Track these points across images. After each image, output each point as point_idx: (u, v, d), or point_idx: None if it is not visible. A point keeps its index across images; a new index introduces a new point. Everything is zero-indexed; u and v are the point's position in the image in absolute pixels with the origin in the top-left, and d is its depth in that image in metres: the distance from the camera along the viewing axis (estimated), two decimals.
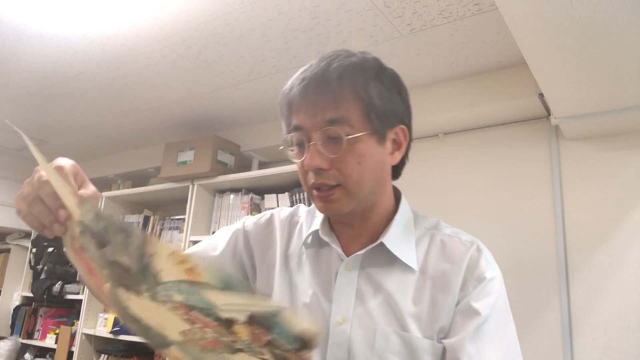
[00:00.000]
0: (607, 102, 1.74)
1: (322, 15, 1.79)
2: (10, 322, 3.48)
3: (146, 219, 3.10)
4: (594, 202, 1.99)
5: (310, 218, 0.86)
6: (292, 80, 0.75)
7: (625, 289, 1.86)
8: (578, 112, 1.84)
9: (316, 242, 0.82)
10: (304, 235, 0.83)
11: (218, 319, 0.46)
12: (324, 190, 0.72)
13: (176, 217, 2.96)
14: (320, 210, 0.76)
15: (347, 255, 0.77)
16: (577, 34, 1.32)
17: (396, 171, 0.83)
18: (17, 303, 3.51)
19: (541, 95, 1.94)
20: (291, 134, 0.74)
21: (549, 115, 2.09)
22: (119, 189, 3.40)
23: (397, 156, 0.78)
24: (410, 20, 1.79)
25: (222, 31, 1.93)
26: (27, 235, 3.73)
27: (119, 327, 2.74)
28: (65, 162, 0.63)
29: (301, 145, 0.73)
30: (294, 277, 0.80)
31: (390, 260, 0.75)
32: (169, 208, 3.28)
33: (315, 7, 1.75)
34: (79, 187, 0.64)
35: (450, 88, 2.24)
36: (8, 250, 3.77)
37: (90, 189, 0.65)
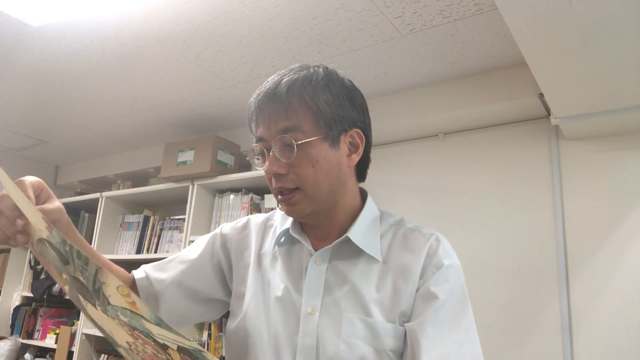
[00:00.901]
0: (607, 102, 1.74)
1: (322, 15, 1.79)
2: (10, 322, 3.48)
3: (146, 219, 3.10)
4: (594, 202, 1.99)
5: (284, 220, 0.92)
6: (253, 96, 0.83)
7: (625, 289, 1.86)
8: (578, 112, 1.84)
9: (288, 241, 0.88)
10: (277, 235, 0.89)
11: (155, 342, 0.54)
12: (285, 195, 0.79)
13: (176, 217, 2.96)
14: (286, 213, 0.82)
15: (316, 251, 0.83)
16: (577, 34, 1.32)
17: (360, 173, 0.89)
18: (17, 303, 3.51)
19: (541, 95, 1.94)
20: (255, 145, 0.82)
21: (549, 115, 2.09)
22: (119, 189, 3.40)
23: (355, 158, 0.83)
24: (410, 20, 1.79)
25: (222, 31, 1.93)
26: None
27: None
28: (28, 178, 0.70)
29: (263, 155, 0.81)
30: (268, 274, 0.86)
31: (356, 253, 0.81)
32: (169, 208, 3.28)
33: (315, 7, 1.75)
34: (44, 202, 0.71)
35: (450, 88, 2.24)
36: (8, 250, 3.76)
37: (54, 204, 0.71)
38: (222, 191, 2.77)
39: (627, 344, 1.81)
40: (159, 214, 3.13)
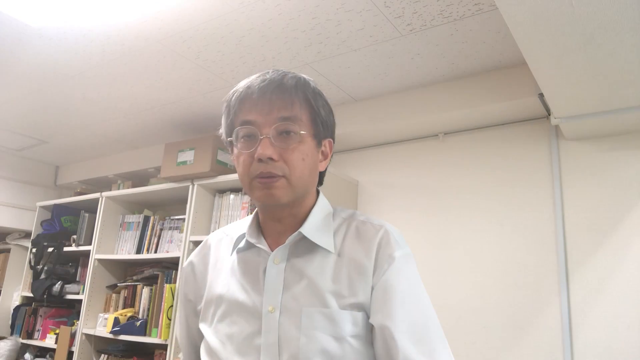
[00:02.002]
0: (607, 102, 1.74)
1: (322, 15, 1.79)
2: (10, 322, 3.47)
3: (146, 219, 3.10)
4: (594, 202, 1.99)
5: (237, 228, 0.94)
6: (249, 81, 0.86)
7: (625, 289, 1.86)
8: (578, 112, 1.84)
9: (245, 247, 0.90)
10: (234, 243, 0.92)
11: None
12: (268, 178, 0.80)
13: (176, 217, 2.96)
14: (261, 199, 0.82)
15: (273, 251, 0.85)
16: (577, 34, 1.32)
17: (321, 179, 0.94)
18: (17, 303, 3.51)
19: (541, 95, 1.94)
20: (244, 127, 0.82)
21: (549, 115, 2.09)
22: (119, 189, 3.40)
23: (323, 165, 0.90)
24: (410, 20, 1.79)
25: (222, 31, 1.93)
26: (27, 235, 3.73)
27: (119, 327, 2.74)
28: None
29: (250, 138, 0.82)
30: (228, 282, 0.88)
31: (311, 248, 0.84)
32: (169, 208, 3.28)
33: (315, 7, 1.75)
34: None
35: (450, 88, 2.24)
36: (8, 250, 3.76)
37: None
38: (222, 191, 2.77)
39: (627, 344, 1.81)
40: (159, 214, 3.13)
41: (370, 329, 0.80)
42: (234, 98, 0.86)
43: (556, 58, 1.47)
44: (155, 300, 2.73)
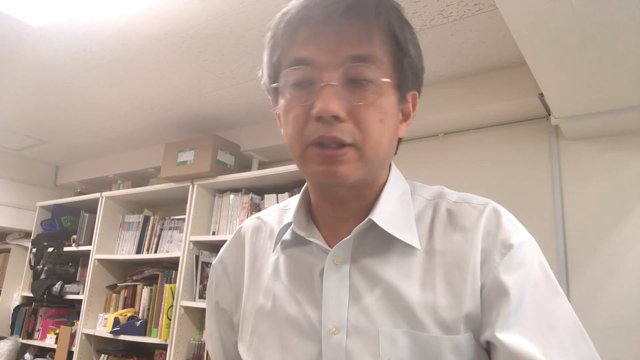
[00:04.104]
0: (607, 102, 1.74)
1: None
2: (10, 322, 3.48)
3: (146, 219, 3.10)
4: (594, 202, 1.99)
5: (280, 215, 0.72)
6: (304, 1, 0.58)
7: (625, 289, 1.86)
8: (578, 112, 1.84)
9: (292, 240, 0.67)
10: (276, 235, 0.69)
11: None
12: (332, 148, 0.55)
13: (176, 217, 2.96)
14: (319, 176, 0.57)
15: (332, 247, 0.62)
16: (577, 34, 1.32)
17: (396, 148, 0.67)
18: (17, 303, 3.51)
19: (541, 95, 1.94)
20: (297, 68, 0.56)
21: (549, 115, 2.09)
22: (119, 189, 3.40)
23: (404, 130, 0.64)
24: (410, 20, 1.79)
25: (222, 31, 1.93)
26: (27, 235, 3.73)
27: (119, 327, 2.74)
28: None
29: (304, 85, 0.56)
30: (272, 288, 0.65)
31: (385, 242, 0.60)
32: (169, 208, 3.28)
33: None
34: None
35: (450, 88, 2.24)
36: (8, 250, 3.76)
37: None
38: (222, 191, 2.77)
39: (627, 344, 1.81)
40: (159, 214, 3.13)
41: (481, 354, 0.56)
42: (282, 24, 0.60)
43: (556, 58, 1.47)
44: (155, 300, 2.73)
